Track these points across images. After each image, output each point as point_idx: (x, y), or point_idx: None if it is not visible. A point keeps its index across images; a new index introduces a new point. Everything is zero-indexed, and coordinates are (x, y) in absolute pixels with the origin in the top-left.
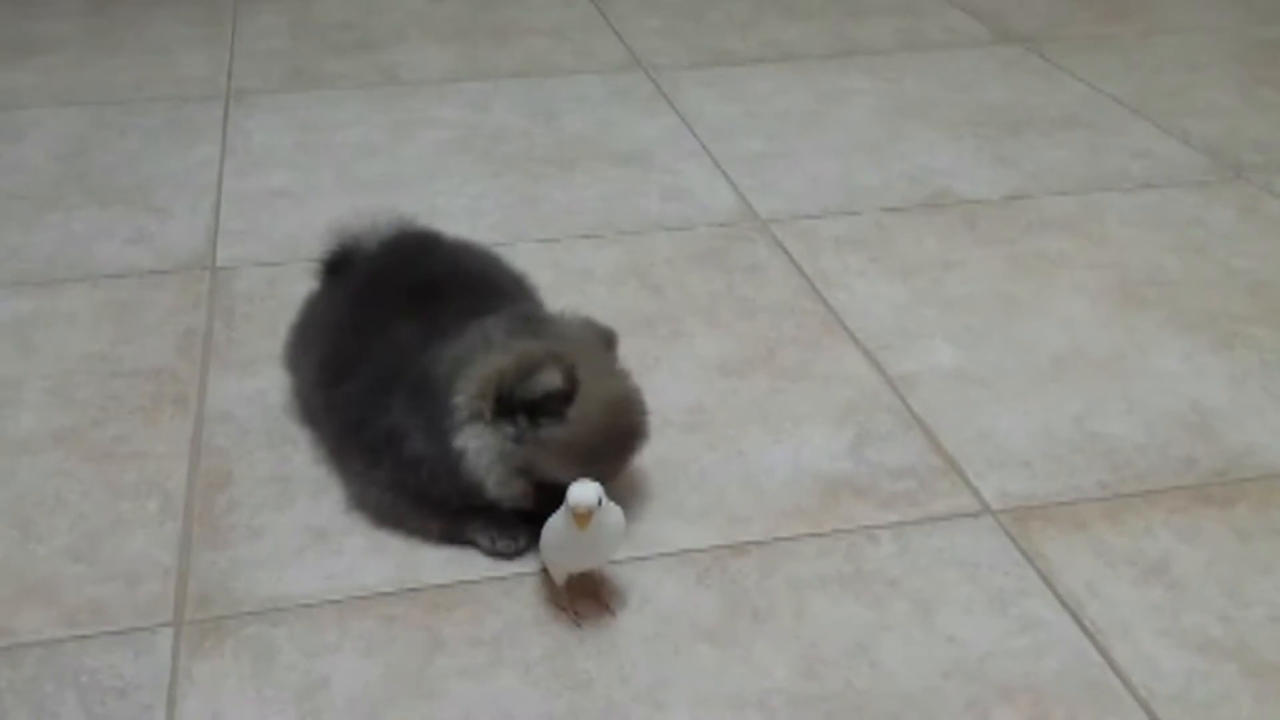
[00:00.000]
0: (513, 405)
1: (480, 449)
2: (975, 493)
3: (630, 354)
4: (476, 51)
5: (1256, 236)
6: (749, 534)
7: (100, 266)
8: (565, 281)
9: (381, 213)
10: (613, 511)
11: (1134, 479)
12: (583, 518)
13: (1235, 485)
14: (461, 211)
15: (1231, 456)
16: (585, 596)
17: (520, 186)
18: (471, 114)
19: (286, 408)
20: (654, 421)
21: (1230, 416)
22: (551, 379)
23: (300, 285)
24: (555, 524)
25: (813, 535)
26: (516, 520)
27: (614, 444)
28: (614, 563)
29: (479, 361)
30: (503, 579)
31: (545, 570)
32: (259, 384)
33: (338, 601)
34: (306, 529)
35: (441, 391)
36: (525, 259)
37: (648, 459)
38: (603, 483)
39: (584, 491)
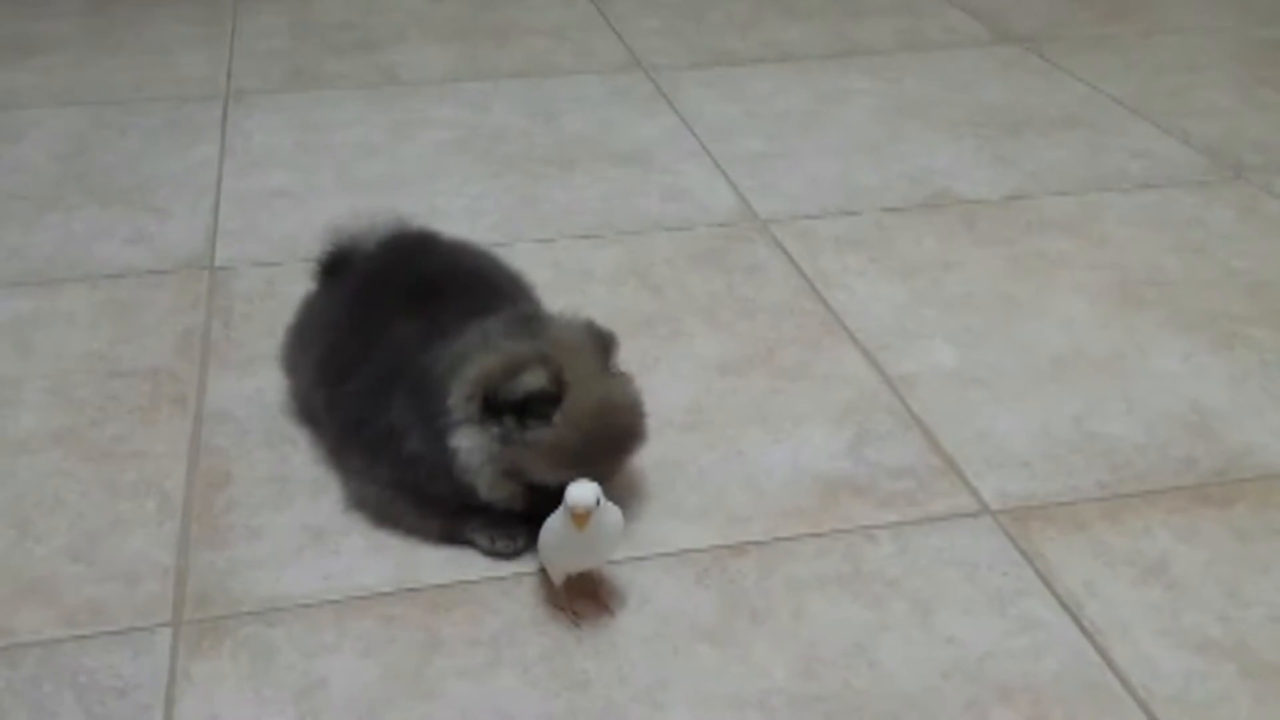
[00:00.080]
0: (499, 406)
1: (471, 450)
2: (974, 493)
3: (630, 354)
4: (476, 52)
5: (1256, 237)
6: (748, 534)
7: (99, 266)
8: (565, 281)
9: (380, 213)
10: (611, 512)
11: (1133, 479)
12: (581, 518)
13: (1234, 485)
14: (461, 211)
15: (1231, 457)
16: (584, 597)
17: (520, 186)
18: (471, 114)
19: (285, 407)
20: (653, 421)
21: (1229, 417)
22: (536, 380)
23: (299, 285)
24: (554, 524)
25: (812, 535)
26: (515, 520)
27: (603, 446)
28: (613, 563)
29: (474, 362)
30: (501, 579)
31: (544, 570)
32: (258, 384)
33: (336, 601)
34: (305, 529)
35: (439, 391)
36: (525, 259)
37: (647, 459)
38: (598, 484)
39: (582, 492)
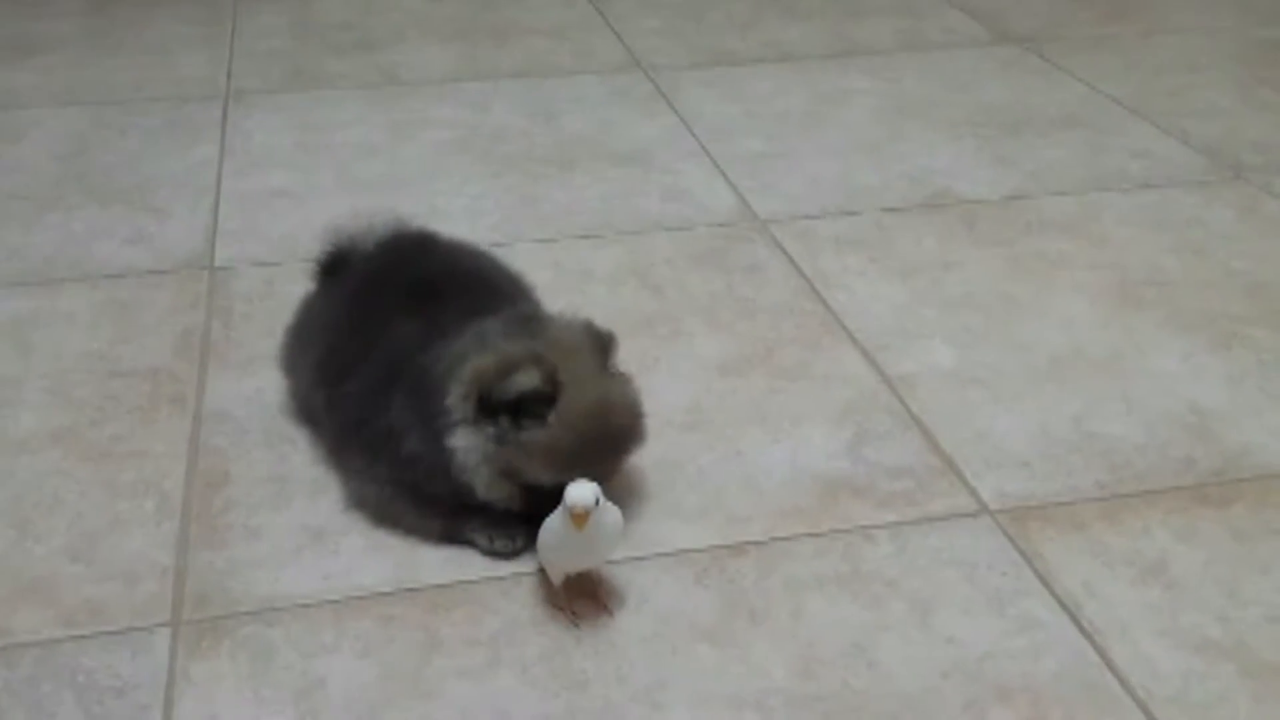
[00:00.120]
0: (493, 406)
1: (468, 450)
2: (973, 493)
3: (629, 354)
4: (476, 52)
5: (1255, 237)
6: (747, 534)
7: (99, 266)
8: (565, 281)
9: (379, 213)
10: (610, 512)
11: (1132, 479)
12: (580, 518)
13: (1233, 485)
14: (461, 212)
15: (1229, 457)
16: (583, 596)
17: (520, 187)
18: (471, 114)
19: (284, 407)
20: (652, 421)
21: (1228, 417)
22: (529, 380)
23: (299, 285)
24: (553, 524)
25: (811, 535)
26: (514, 520)
27: (599, 447)
28: (612, 563)
29: (470, 362)
30: (500, 579)
31: (543, 570)
32: (257, 384)
33: (335, 601)
34: (304, 529)
35: (438, 391)
36: (525, 259)
37: (646, 459)
38: (597, 484)
39: (581, 492)
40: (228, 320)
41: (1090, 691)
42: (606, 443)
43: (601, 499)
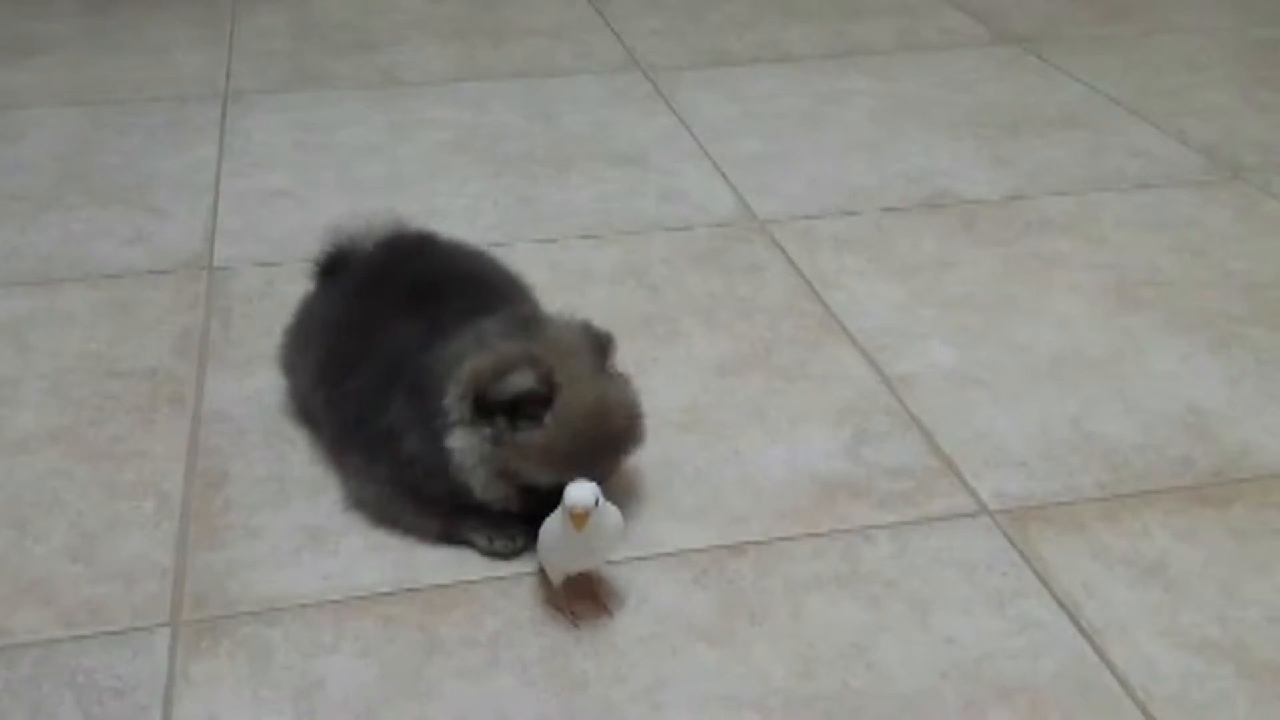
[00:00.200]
0: (489, 406)
1: (465, 450)
2: (972, 493)
3: (628, 354)
4: (475, 52)
5: (1254, 237)
6: (746, 534)
7: (98, 266)
8: (563, 282)
9: (377, 214)
10: (610, 513)
11: (1131, 479)
12: (579, 518)
13: (1232, 485)
14: (460, 212)
15: (1228, 457)
16: (582, 597)
17: (519, 187)
18: (470, 114)
19: (283, 407)
20: (651, 422)
21: (1227, 417)
22: (524, 381)
23: (298, 285)
24: (552, 525)
25: (810, 535)
26: (514, 520)
27: (596, 447)
28: (611, 563)
29: (467, 362)
30: (500, 579)
31: (543, 571)
32: (256, 384)
33: (334, 602)
34: (303, 529)
35: (437, 391)
36: (523, 259)
37: (644, 459)
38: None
39: (580, 492)
40: (227, 320)
41: (1089, 692)
42: (604, 443)
43: (601, 500)
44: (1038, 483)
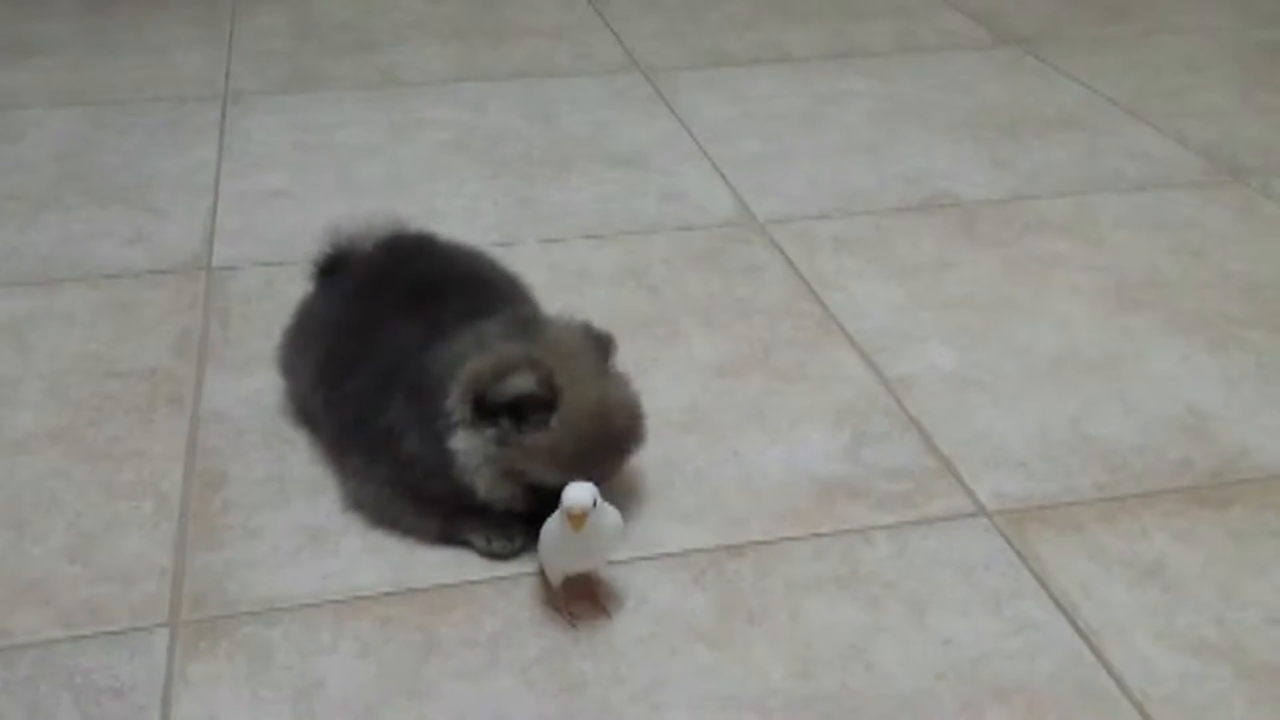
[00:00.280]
0: (490, 408)
1: (470, 451)
2: (971, 494)
3: (627, 355)
4: (475, 52)
5: (1253, 239)
6: (745, 535)
7: (97, 266)
8: (563, 282)
9: (377, 214)
10: (608, 513)
11: (1129, 480)
12: (577, 519)
13: (1230, 487)
14: (459, 212)
15: (1227, 458)
16: (581, 598)
17: (518, 188)
18: (469, 115)
19: (282, 408)
20: (650, 422)
21: (1226, 418)
22: (524, 382)
23: (297, 286)
24: (551, 525)
25: (808, 537)
26: (513, 521)
27: (602, 447)
28: (611, 564)
29: (468, 364)
30: (499, 580)
31: (542, 571)
32: (255, 384)
33: (333, 602)
34: (302, 529)
35: (438, 392)
36: (523, 260)
37: (644, 460)
38: (596, 484)
39: (578, 493)
40: (226, 321)
41: (1087, 692)
42: (610, 443)
43: (599, 500)
44: (1036, 484)
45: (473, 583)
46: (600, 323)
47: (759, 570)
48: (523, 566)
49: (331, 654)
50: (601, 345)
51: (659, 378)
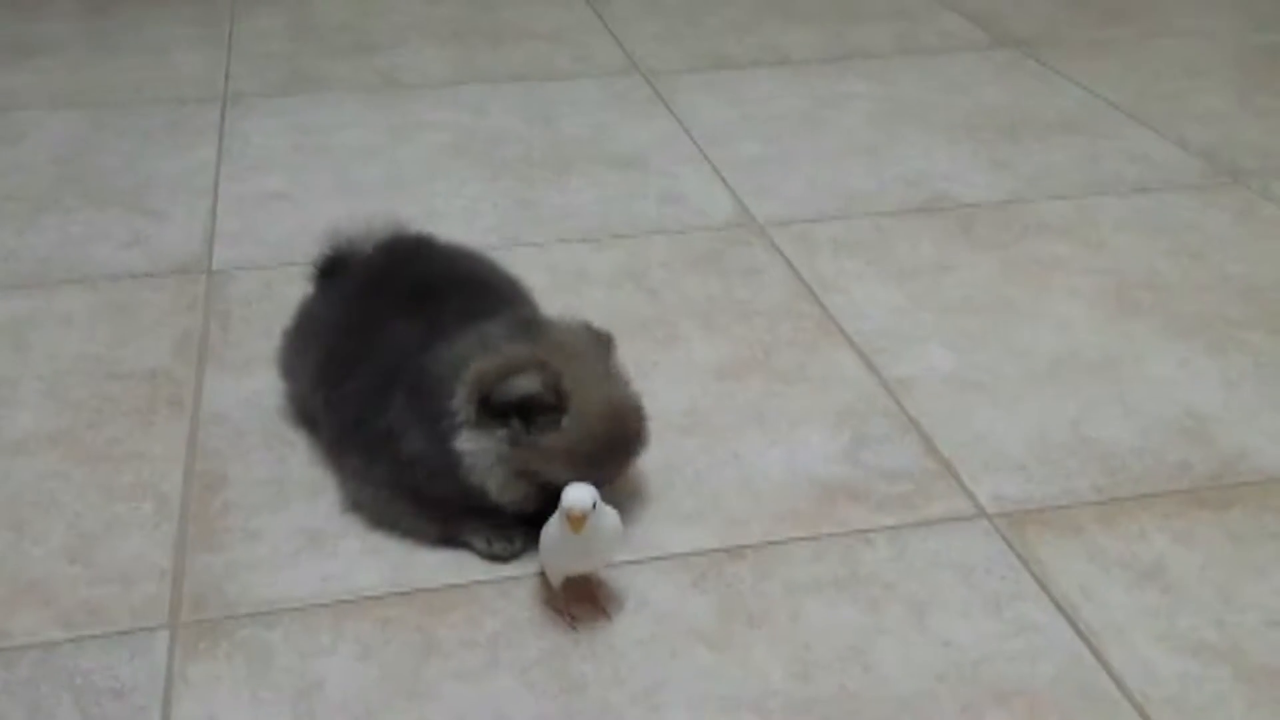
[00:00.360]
0: (495, 408)
1: (479, 452)
2: (970, 496)
3: (626, 357)
4: (474, 54)
5: (1252, 241)
6: (745, 537)
7: (97, 268)
8: (562, 284)
9: (376, 216)
10: (608, 515)
11: (1129, 483)
12: (576, 521)
13: (1230, 489)
14: (459, 214)
15: (1226, 460)
16: (582, 599)
17: (517, 190)
18: (469, 117)
19: (282, 410)
20: (651, 425)
21: (1225, 420)
22: (529, 383)
23: (296, 288)
24: (552, 527)
25: (808, 539)
26: (513, 522)
27: (615, 446)
28: (611, 565)
29: (473, 364)
30: (498, 581)
31: (543, 573)
32: (255, 386)
33: (333, 604)
34: (302, 531)
35: (441, 393)
36: (522, 262)
37: (645, 462)
38: (604, 486)
39: (578, 494)
40: (225, 323)
41: (1087, 694)
42: (621, 442)
43: (599, 502)
44: (1036, 486)
45: (472, 584)
46: (599, 325)
47: (759, 572)
48: (522, 568)
49: (331, 655)
50: (602, 345)
51: (659, 380)
